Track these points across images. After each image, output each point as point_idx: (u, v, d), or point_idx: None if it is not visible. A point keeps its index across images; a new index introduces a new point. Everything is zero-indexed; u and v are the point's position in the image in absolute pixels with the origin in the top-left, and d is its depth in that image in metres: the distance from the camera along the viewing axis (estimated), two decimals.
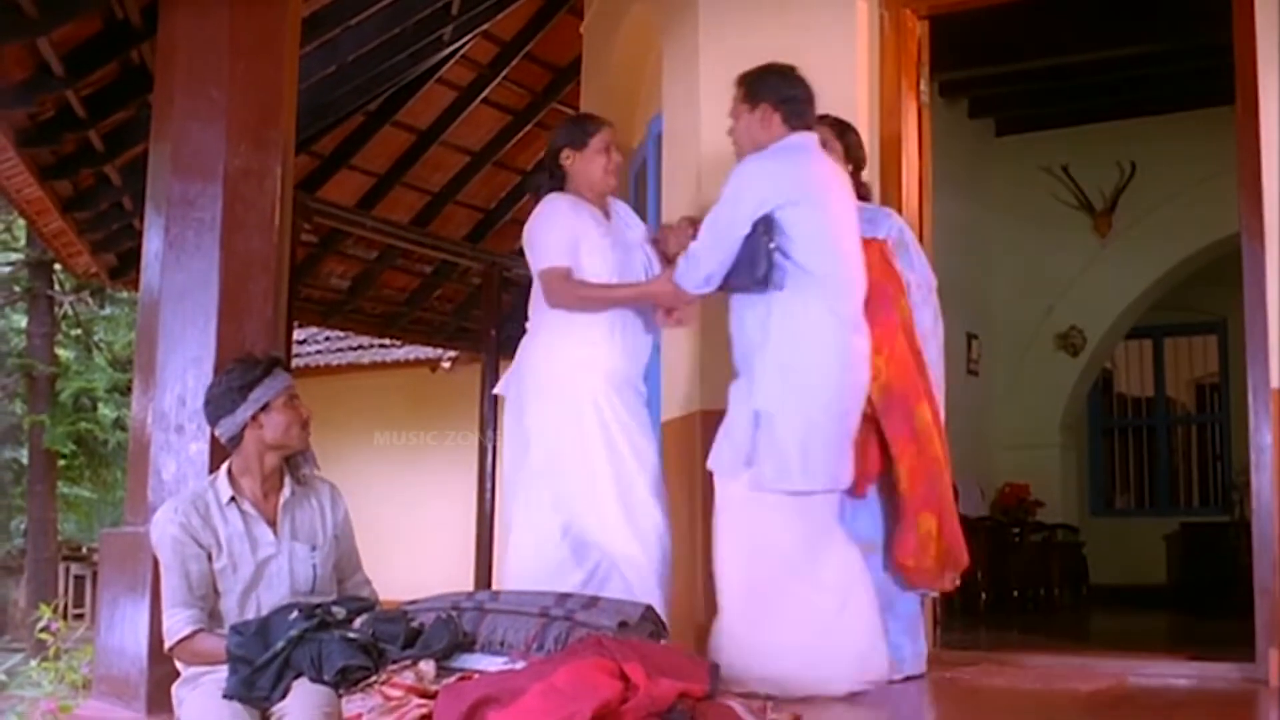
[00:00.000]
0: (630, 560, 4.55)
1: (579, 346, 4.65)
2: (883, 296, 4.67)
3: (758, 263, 4.41)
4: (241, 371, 3.87)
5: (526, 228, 4.86)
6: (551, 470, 4.61)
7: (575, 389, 4.61)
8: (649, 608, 4.01)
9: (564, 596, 4.07)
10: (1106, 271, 11.16)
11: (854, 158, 4.95)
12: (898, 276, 4.81)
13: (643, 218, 5.53)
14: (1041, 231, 11.25)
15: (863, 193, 4.94)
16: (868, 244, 4.67)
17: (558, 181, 4.85)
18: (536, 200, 4.89)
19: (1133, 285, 11.19)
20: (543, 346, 4.72)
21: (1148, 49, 9.40)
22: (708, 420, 5.01)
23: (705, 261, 4.51)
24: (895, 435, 4.64)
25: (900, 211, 5.40)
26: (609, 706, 3.11)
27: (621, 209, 5.02)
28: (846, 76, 5.64)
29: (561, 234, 4.71)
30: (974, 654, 5.58)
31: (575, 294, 4.67)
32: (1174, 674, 5.16)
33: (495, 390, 4.95)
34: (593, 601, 4.01)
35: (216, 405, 3.87)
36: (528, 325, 4.84)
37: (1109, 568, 11.43)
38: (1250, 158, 5.03)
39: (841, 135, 4.93)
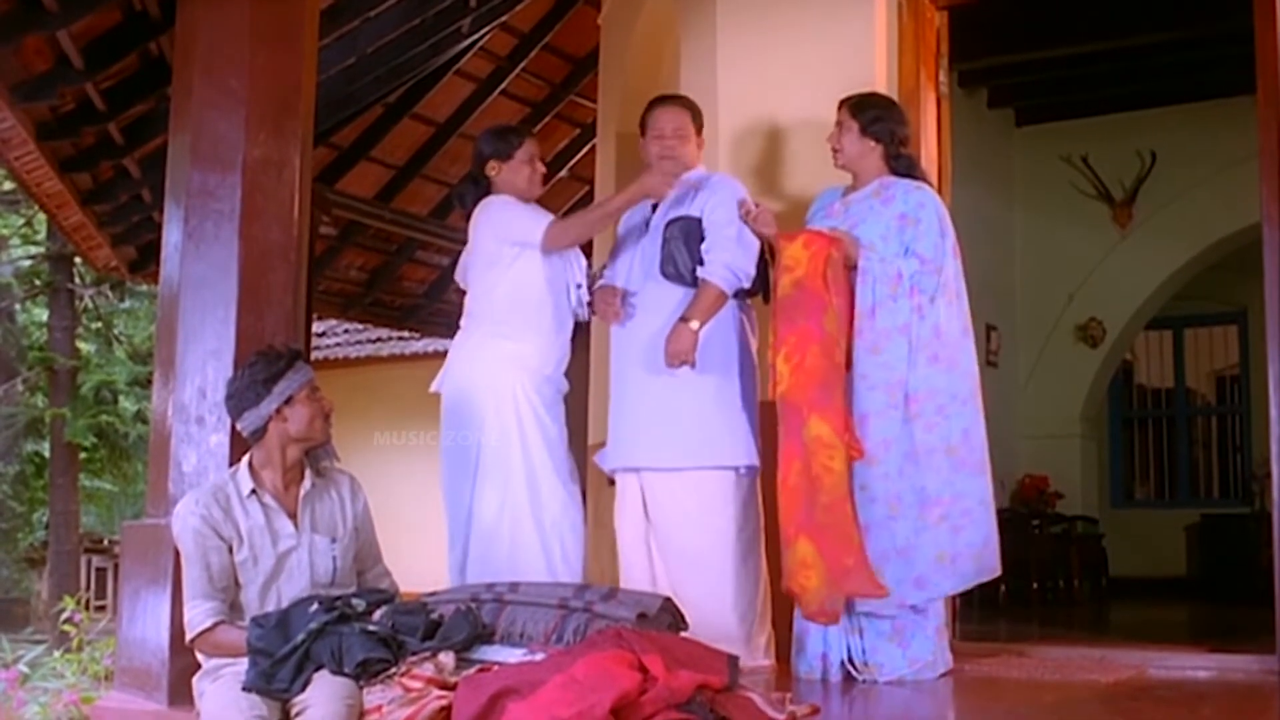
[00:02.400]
0: (527, 542, 4.80)
1: (510, 343, 4.86)
2: (810, 302, 4.53)
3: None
4: (264, 365, 3.87)
5: (483, 227, 4.97)
6: (473, 457, 4.87)
7: (499, 382, 4.83)
8: (668, 599, 4.02)
9: (583, 588, 4.09)
10: (1126, 262, 11.12)
11: (872, 133, 4.78)
12: (834, 283, 4.55)
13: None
14: (1061, 222, 11.22)
15: (898, 167, 4.80)
16: (809, 242, 4.62)
17: (483, 190, 5.04)
18: (465, 212, 5.08)
19: (1152, 276, 11.15)
20: (474, 345, 4.93)
21: (1168, 37, 9.35)
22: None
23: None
24: (784, 450, 4.52)
25: None
26: (628, 698, 3.11)
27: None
28: (865, 67, 5.61)
29: (521, 209, 4.93)
30: (993, 645, 5.57)
31: (581, 222, 5.04)
32: (1194, 666, 5.15)
33: (431, 388, 5.09)
34: (611, 593, 4.02)
35: (240, 399, 3.87)
36: (461, 324, 5.05)
37: (1129, 559, 11.40)
38: (1271, 147, 4.99)
39: (858, 112, 4.82)
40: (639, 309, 4.90)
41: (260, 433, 3.86)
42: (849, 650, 4.61)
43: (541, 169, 5.07)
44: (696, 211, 4.83)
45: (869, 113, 4.83)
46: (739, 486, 4.79)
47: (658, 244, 4.86)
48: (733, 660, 3.55)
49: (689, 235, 4.79)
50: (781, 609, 4.79)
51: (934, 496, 4.53)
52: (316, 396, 3.89)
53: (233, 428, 4.10)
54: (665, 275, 4.82)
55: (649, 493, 4.83)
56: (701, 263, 4.75)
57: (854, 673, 4.58)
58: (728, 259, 4.72)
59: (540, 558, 4.79)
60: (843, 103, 4.91)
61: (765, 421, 4.80)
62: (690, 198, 4.87)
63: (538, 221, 4.87)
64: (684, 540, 4.75)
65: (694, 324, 4.64)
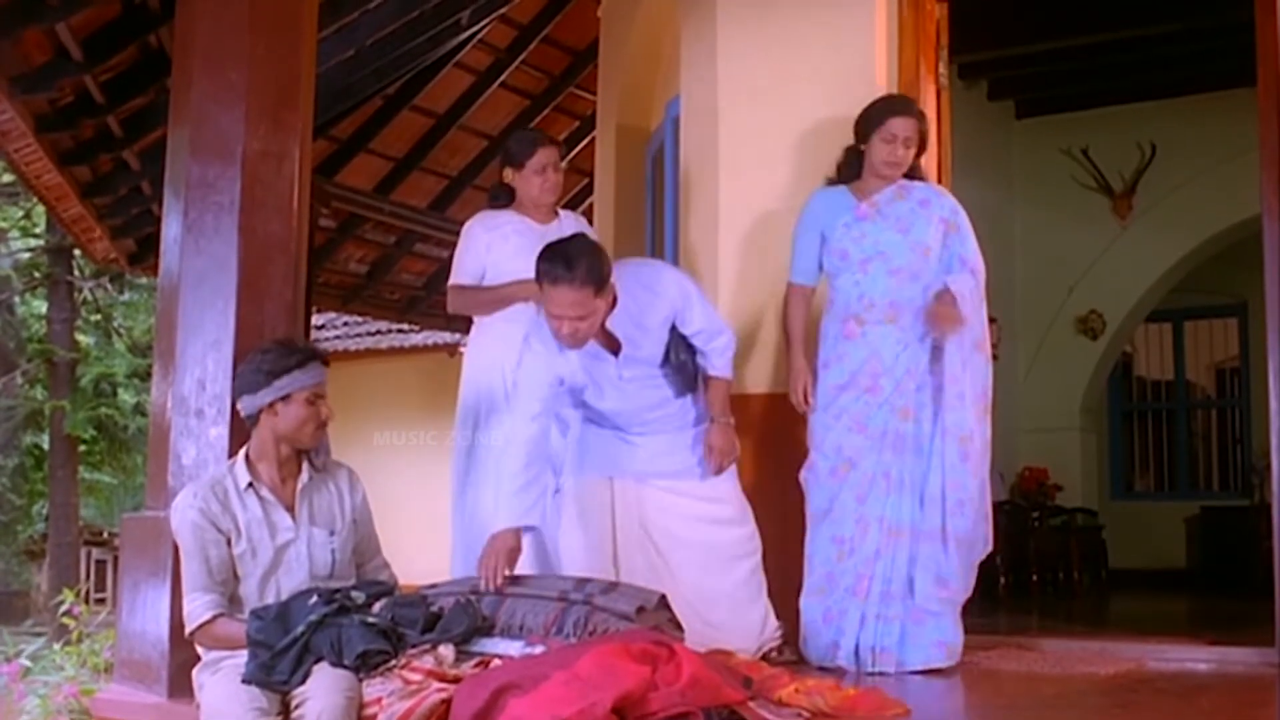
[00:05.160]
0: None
1: (498, 323, 5.08)
2: None
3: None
4: (276, 356, 3.86)
5: None
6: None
7: (488, 361, 5.05)
8: (663, 596, 4.02)
9: (583, 581, 4.08)
10: (1126, 254, 11.11)
11: (923, 143, 4.92)
12: None
13: (660, 201, 5.53)
14: (1061, 214, 11.21)
15: (917, 174, 4.94)
16: None
17: (511, 192, 5.26)
18: (498, 206, 5.32)
19: (1152, 268, 11.14)
20: (476, 344, 5.22)
21: (1168, 29, 9.34)
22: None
23: None
24: None
25: None
26: (631, 696, 3.10)
27: (569, 222, 5.26)
28: (865, 60, 5.61)
29: (468, 256, 5.20)
30: (993, 638, 5.56)
31: (463, 300, 5.22)
32: (1193, 658, 5.15)
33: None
34: (612, 586, 4.02)
35: (243, 380, 3.88)
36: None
37: (1128, 551, 11.39)
38: (1272, 139, 4.99)
39: (921, 126, 4.90)
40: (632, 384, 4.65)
41: (253, 420, 3.86)
42: (857, 642, 4.63)
43: (553, 177, 5.19)
44: (665, 334, 4.59)
45: (923, 124, 4.92)
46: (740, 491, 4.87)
47: (655, 383, 4.67)
48: (747, 681, 3.53)
49: (681, 363, 4.66)
50: (789, 601, 4.80)
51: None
52: (316, 403, 3.85)
53: (232, 421, 4.11)
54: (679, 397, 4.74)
55: (666, 503, 4.74)
56: (697, 361, 4.70)
57: (862, 663, 4.61)
58: (724, 347, 4.69)
59: (531, 551, 4.77)
60: (912, 113, 4.91)
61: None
62: (647, 330, 4.57)
63: (457, 277, 5.20)
64: (709, 539, 4.75)
65: (730, 420, 4.73)
